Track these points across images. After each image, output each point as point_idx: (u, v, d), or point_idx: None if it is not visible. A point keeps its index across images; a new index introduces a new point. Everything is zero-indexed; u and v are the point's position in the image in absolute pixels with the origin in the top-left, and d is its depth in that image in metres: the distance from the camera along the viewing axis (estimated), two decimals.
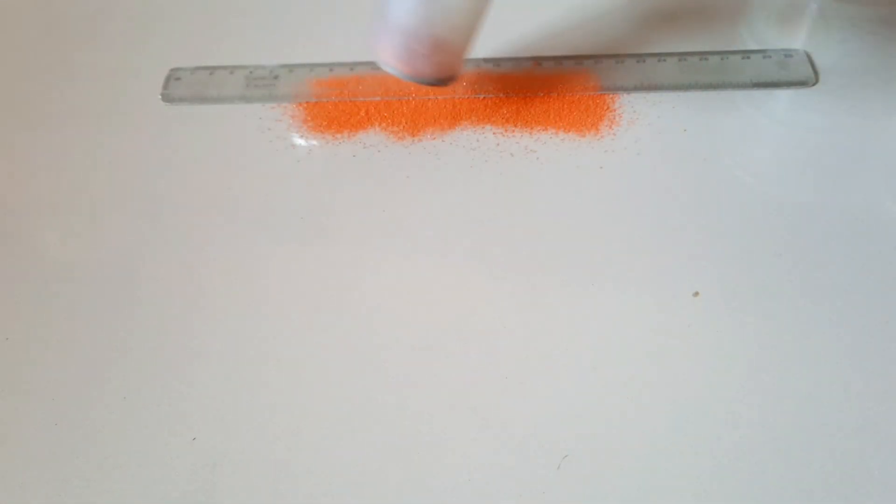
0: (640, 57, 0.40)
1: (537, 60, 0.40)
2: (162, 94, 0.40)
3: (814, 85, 0.39)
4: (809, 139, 0.37)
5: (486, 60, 0.40)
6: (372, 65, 0.41)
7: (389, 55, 0.33)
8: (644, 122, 0.38)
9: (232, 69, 0.41)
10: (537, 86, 0.39)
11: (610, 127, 0.38)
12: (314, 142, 0.38)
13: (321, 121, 0.39)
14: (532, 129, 0.38)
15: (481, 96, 0.39)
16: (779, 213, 0.34)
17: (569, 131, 0.38)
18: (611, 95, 0.39)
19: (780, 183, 0.35)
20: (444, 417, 0.29)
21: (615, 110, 0.39)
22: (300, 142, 0.38)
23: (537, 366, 0.30)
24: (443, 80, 0.34)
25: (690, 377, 0.30)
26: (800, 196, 0.35)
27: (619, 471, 0.27)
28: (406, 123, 0.38)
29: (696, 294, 0.32)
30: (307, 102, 0.40)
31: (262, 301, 0.32)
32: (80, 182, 0.37)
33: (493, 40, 0.42)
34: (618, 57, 0.40)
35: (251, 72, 0.41)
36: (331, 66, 0.41)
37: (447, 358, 0.30)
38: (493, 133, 0.38)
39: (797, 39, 0.41)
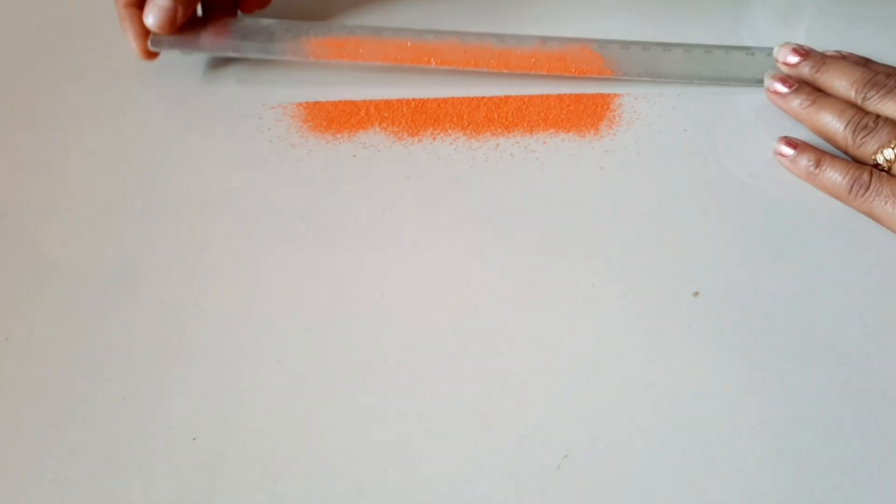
0: (646, 45, 0.40)
1: (542, 39, 0.40)
2: (151, 40, 0.40)
3: None
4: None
5: (489, 34, 0.40)
6: (371, 28, 0.40)
7: None
8: (644, 122, 0.38)
9: (226, 21, 0.41)
10: (541, 63, 0.39)
11: (610, 127, 0.38)
12: (314, 142, 0.38)
13: (321, 121, 0.39)
14: (532, 129, 0.38)
15: (481, 96, 0.39)
16: (779, 213, 0.34)
17: (569, 132, 0.38)
18: (611, 95, 0.39)
19: (780, 183, 0.35)
20: (444, 417, 0.29)
21: (615, 110, 0.39)
22: (300, 142, 0.38)
23: (537, 366, 0.30)
24: None
25: (690, 377, 0.30)
26: (799, 196, 0.35)
27: (619, 471, 0.27)
28: (406, 123, 0.39)
29: (697, 294, 0.32)
30: (307, 103, 0.40)
31: (262, 301, 0.32)
32: (80, 182, 0.37)
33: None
34: (623, 43, 0.40)
35: (246, 25, 0.41)
36: (329, 27, 0.41)
37: (447, 358, 0.30)
38: (493, 133, 0.38)
39: (797, 39, 0.41)
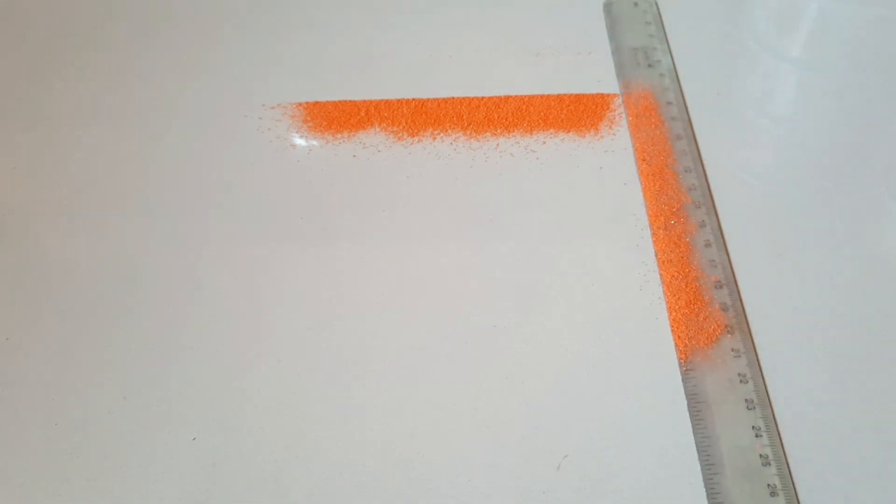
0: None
1: None
2: None
3: None
4: (809, 139, 0.37)
5: None
6: None
7: None
8: None
9: None
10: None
11: (610, 127, 0.38)
12: (314, 142, 0.38)
13: (321, 121, 0.39)
14: (532, 129, 0.38)
15: (481, 96, 0.39)
16: (779, 212, 0.34)
17: (569, 132, 0.38)
18: (611, 95, 0.39)
19: (780, 183, 0.35)
20: (444, 418, 0.29)
21: (615, 110, 0.39)
22: (300, 142, 0.38)
23: (537, 366, 0.30)
24: None
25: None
26: (800, 196, 0.35)
27: (620, 471, 0.27)
28: (406, 123, 0.39)
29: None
30: (307, 102, 0.40)
31: (262, 301, 0.32)
32: (79, 182, 0.37)
33: None
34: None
35: None
36: None
37: (447, 358, 0.30)
38: (493, 133, 0.38)
39: (797, 40, 0.41)
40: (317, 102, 0.40)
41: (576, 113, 0.39)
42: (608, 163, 0.36)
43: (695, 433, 0.28)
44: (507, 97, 0.39)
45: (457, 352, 0.30)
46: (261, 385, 0.30)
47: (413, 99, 0.39)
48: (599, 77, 0.40)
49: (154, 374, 0.30)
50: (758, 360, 0.30)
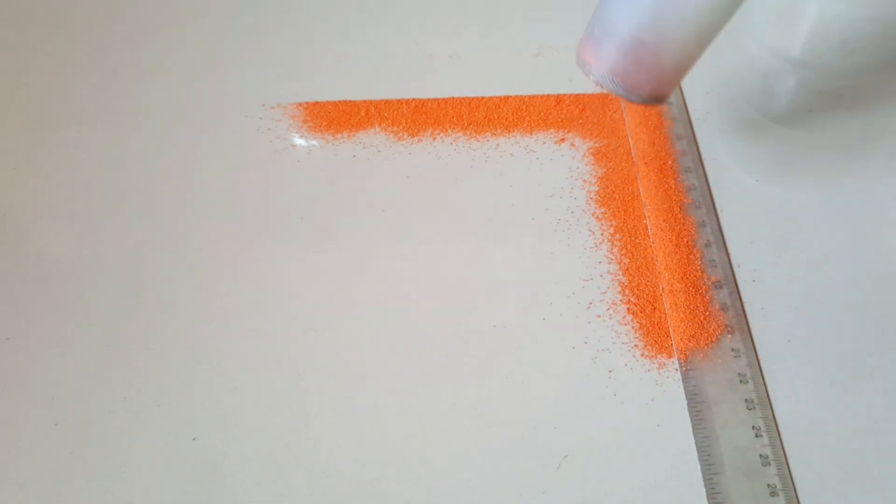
0: None
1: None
2: None
3: None
4: (809, 139, 0.37)
5: None
6: None
7: (603, 65, 0.28)
8: None
9: None
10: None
11: (610, 127, 0.38)
12: (314, 142, 0.38)
13: (321, 121, 0.39)
14: (532, 129, 0.38)
15: (481, 96, 0.39)
16: (779, 212, 0.34)
17: (569, 132, 0.38)
18: (611, 95, 0.39)
19: (780, 183, 0.35)
20: (445, 417, 0.29)
21: (615, 111, 0.39)
22: (300, 142, 0.38)
23: (537, 366, 0.30)
24: (656, 98, 0.30)
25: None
26: (800, 196, 0.35)
27: (619, 471, 0.27)
28: (406, 123, 0.38)
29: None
30: (307, 102, 0.40)
31: (262, 301, 0.32)
32: (80, 182, 0.37)
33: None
34: None
35: None
36: None
37: (447, 358, 0.30)
38: (493, 133, 0.38)
39: (797, 40, 0.41)
40: (317, 102, 0.40)
41: (576, 113, 0.38)
42: (608, 163, 0.36)
43: (695, 433, 0.28)
44: (507, 97, 0.39)
45: (457, 352, 0.30)
46: (261, 385, 0.30)
47: (413, 99, 0.39)
48: None
49: (154, 374, 0.30)
50: (758, 360, 0.30)
